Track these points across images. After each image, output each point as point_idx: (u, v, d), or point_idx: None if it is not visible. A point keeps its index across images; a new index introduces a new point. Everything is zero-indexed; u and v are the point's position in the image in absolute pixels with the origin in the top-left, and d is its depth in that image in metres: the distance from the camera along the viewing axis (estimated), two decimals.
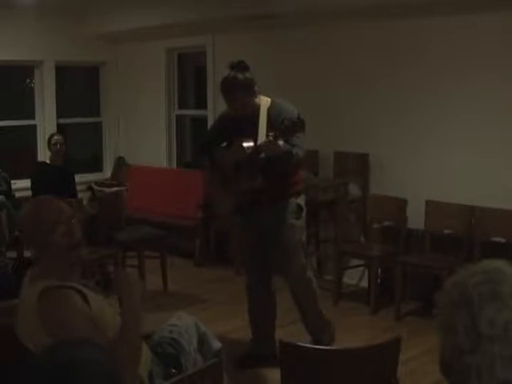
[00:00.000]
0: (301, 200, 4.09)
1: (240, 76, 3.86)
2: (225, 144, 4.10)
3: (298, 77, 6.19)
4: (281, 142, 3.64)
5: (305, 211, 4.11)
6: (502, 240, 4.87)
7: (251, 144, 3.87)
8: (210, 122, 7.18)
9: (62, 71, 7.71)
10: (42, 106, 7.57)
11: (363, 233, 5.79)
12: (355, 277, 5.84)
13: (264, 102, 3.96)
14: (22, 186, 6.69)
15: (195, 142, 8.00)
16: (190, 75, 8.06)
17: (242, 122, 3.93)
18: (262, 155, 3.78)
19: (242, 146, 3.89)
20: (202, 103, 7.41)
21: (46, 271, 2.32)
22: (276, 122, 3.79)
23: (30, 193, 6.20)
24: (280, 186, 3.98)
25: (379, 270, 5.38)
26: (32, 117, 7.60)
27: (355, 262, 5.63)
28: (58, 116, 7.67)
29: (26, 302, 2.27)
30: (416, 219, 5.27)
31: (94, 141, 8.39)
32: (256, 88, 3.92)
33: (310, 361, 2.35)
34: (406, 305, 5.16)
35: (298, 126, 3.65)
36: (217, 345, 2.78)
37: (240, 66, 3.91)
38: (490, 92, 5.04)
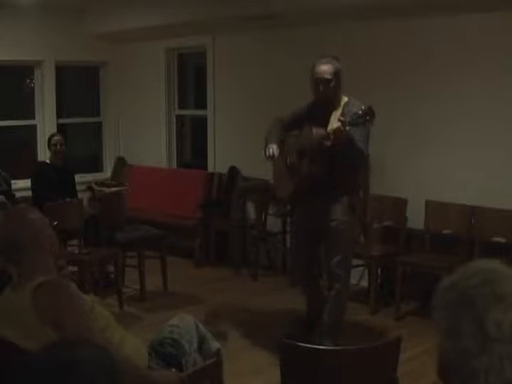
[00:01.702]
0: (354, 201, 4.23)
1: (336, 58, 4.19)
2: (296, 132, 4.33)
3: (297, 77, 6.17)
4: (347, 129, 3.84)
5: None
6: (502, 240, 4.87)
7: (320, 131, 4.02)
8: (210, 122, 7.19)
9: (61, 71, 7.71)
10: (41, 106, 7.56)
11: (363, 233, 5.78)
12: (355, 277, 5.83)
13: (343, 99, 4.19)
14: (22, 186, 6.69)
15: (195, 142, 8.01)
16: (190, 75, 8.06)
17: (319, 111, 4.16)
18: (328, 143, 3.91)
19: (311, 131, 4.05)
20: (202, 103, 7.41)
21: (32, 274, 2.29)
22: (346, 116, 3.99)
23: (30, 193, 6.20)
24: (336, 182, 4.12)
25: (379, 270, 5.38)
26: (32, 117, 7.59)
27: (355, 261, 5.61)
28: (58, 116, 7.67)
29: (17, 306, 2.24)
30: (416, 219, 5.26)
31: (94, 141, 8.39)
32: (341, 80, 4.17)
33: (310, 361, 2.35)
34: (406, 305, 5.15)
35: (367, 114, 3.85)
36: (216, 345, 2.79)
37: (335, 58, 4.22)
38: (490, 92, 5.04)
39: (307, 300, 4.55)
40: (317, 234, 4.31)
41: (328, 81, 4.10)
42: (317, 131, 4.02)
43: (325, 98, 4.15)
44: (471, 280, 1.26)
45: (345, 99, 4.20)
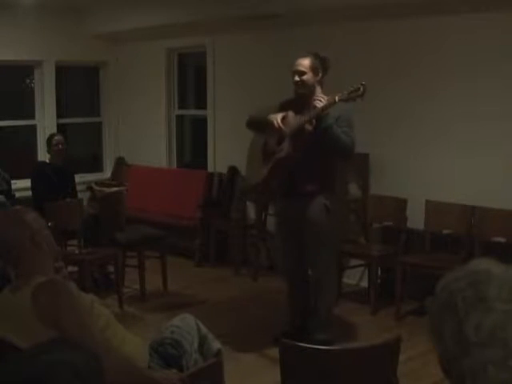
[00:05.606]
0: (329, 201, 4.23)
1: (319, 56, 4.26)
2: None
3: None
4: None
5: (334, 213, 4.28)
6: (502, 240, 4.87)
7: (301, 118, 4.13)
8: (210, 122, 7.20)
9: (61, 71, 7.71)
10: (41, 106, 7.56)
11: (363, 233, 5.78)
12: (355, 277, 5.84)
13: (329, 96, 4.16)
14: (22, 185, 6.68)
15: (195, 142, 8.01)
16: (190, 75, 8.06)
17: (293, 104, 4.27)
18: (308, 127, 4.08)
19: (293, 117, 4.17)
20: (202, 103, 7.41)
21: (31, 275, 2.30)
22: (336, 121, 4.07)
23: (30, 193, 6.20)
24: (311, 178, 4.19)
25: (379, 270, 5.38)
26: (32, 117, 7.59)
27: (355, 261, 5.63)
28: (58, 116, 7.67)
29: (17, 307, 2.24)
30: (416, 219, 5.26)
31: (94, 141, 8.39)
32: (321, 75, 4.23)
33: (310, 361, 2.35)
34: (406, 305, 5.15)
35: (358, 91, 3.93)
36: (217, 346, 2.79)
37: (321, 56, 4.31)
38: (490, 93, 5.04)
39: (293, 301, 4.58)
40: (297, 235, 4.32)
41: (301, 73, 4.21)
42: (299, 117, 4.14)
43: (298, 89, 4.25)
44: (458, 283, 1.25)
45: (332, 97, 4.22)
